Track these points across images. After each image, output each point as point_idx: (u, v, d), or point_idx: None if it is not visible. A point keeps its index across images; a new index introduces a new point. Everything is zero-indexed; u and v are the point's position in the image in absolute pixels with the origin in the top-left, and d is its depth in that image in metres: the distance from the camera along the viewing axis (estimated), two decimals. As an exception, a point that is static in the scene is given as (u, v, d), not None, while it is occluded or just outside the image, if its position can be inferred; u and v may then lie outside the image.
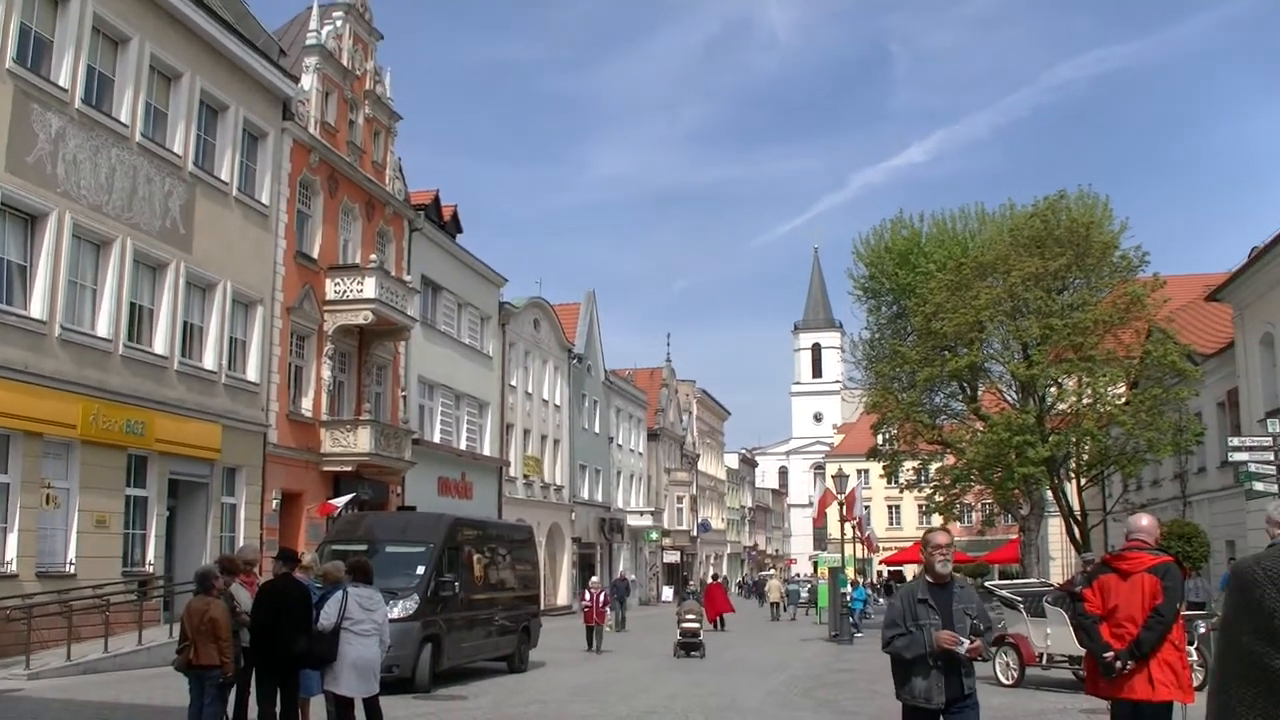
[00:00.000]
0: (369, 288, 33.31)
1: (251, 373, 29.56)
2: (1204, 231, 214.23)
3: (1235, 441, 23.43)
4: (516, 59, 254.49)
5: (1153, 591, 8.12)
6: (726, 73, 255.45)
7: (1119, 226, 41.09)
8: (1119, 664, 8.07)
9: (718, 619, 41.89)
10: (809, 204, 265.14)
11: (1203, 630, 18.76)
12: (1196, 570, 29.57)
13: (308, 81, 33.02)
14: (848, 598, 36.30)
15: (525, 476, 50.98)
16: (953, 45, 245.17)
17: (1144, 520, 8.73)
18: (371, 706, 11.74)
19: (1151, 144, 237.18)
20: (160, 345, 25.74)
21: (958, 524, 75.53)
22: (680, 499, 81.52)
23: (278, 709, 11.66)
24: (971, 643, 7.59)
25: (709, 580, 55.88)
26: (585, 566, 57.47)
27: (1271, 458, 22.06)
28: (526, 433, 51.88)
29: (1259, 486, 21.81)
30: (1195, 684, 17.44)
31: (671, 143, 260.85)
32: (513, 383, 49.70)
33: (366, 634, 11.35)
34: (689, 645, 28.26)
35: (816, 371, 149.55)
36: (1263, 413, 29.10)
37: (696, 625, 28.78)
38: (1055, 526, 49.63)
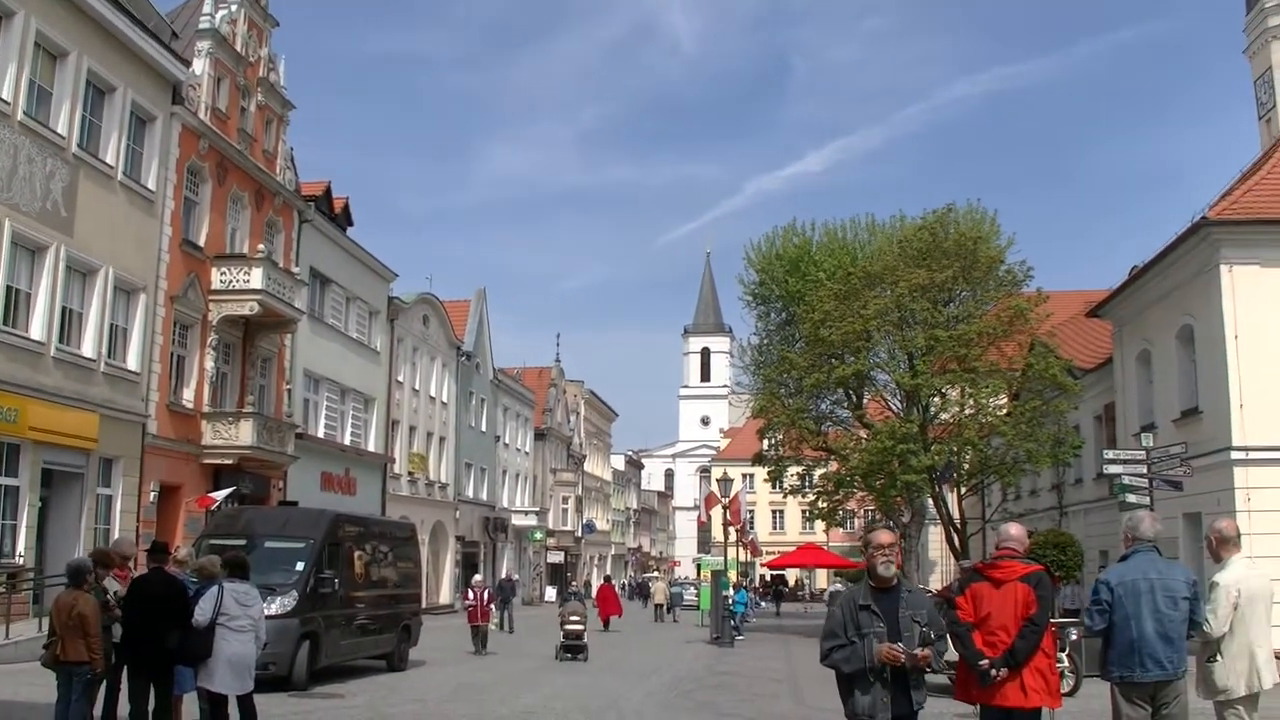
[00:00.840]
0: (256, 278, 32.73)
1: (132, 361, 28.87)
2: (1088, 250, 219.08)
3: (1110, 454, 23.95)
4: (415, 53, 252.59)
5: (1025, 600, 8.24)
6: (628, 76, 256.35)
7: (1005, 241, 41.94)
8: (993, 671, 8.17)
9: (607, 620, 42.16)
10: (704, 209, 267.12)
11: (1074, 637, 19.14)
12: (1071, 579, 30.22)
13: (199, 66, 32.35)
14: (730, 601, 36.50)
15: (410, 473, 50.55)
16: (853, 59, 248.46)
17: (1014, 529, 8.87)
18: (245, 704, 11.53)
19: (1040, 162, 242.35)
20: (37, 330, 24.96)
21: (840, 530, 76.60)
22: (566, 499, 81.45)
23: (150, 706, 11.43)
24: (922, 652, 6.99)
25: (602, 581, 55.95)
26: (469, 565, 57.14)
27: (1144, 471, 22.59)
28: (412, 429, 51.45)
29: (1131, 499, 22.31)
30: (1064, 690, 17.84)
31: (569, 143, 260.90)
32: (400, 379, 49.25)
33: (242, 630, 11.14)
34: (573, 648, 27.59)
35: (705, 375, 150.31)
36: (1137, 427, 29.76)
37: (581, 628, 28.07)
38: (936, 534, 50.36)
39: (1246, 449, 25.42)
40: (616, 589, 49.53)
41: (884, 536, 7.35)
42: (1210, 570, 9.44)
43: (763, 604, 64.71)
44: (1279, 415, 25.38)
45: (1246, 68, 57.34)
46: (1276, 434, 25.30)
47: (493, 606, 31.65)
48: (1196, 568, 12.72)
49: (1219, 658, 8.91)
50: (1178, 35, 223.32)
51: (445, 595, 54.13)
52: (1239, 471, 25.37)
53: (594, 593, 51.88)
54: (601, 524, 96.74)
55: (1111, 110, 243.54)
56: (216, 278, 32.68)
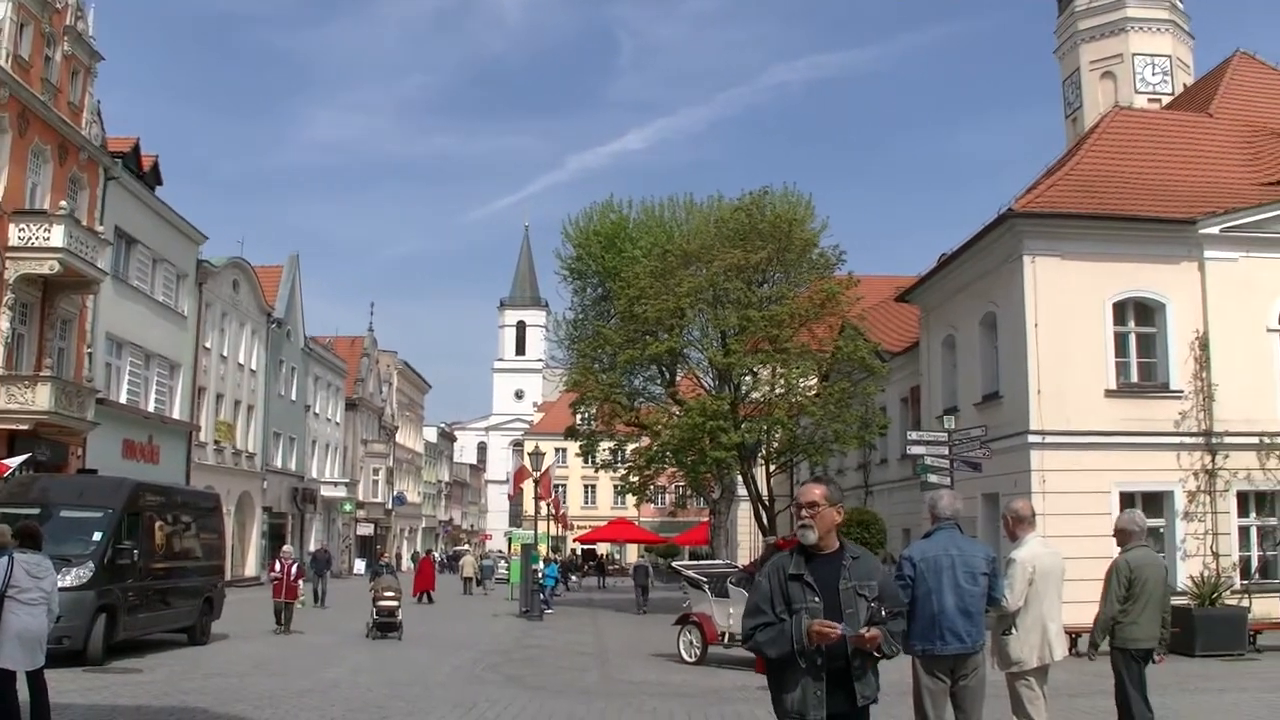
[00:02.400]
0: (57, 236, 31.49)
1: (-80, 320, 27.59)
2: (901, 237, 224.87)
3: (914, 435, 24.64)
4: (233, 9, 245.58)
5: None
6: (453, 46, 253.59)
7: (820, 225, 42.67)
8: (789, 645, 8.31)
9: (421, 593, 42.16)
10: (525, 182, 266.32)
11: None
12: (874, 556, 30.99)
13: (1, 10, 30.96)
14: (539, 574, 36.55)
15: (216, 442, 49.41)
16: (678, 39, 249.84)
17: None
18: (36, 680, 11.09)
19: (858, 150, 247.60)
20: None
21: (651, 505, 77.29)
22: (376, 471, 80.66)
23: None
24: (867, 632, 5.58)
25: (423, 554, 55.55)
26: (276, 537, 56.07)
27: (946, 452, 23.29)
28: (220, 397, 50.29)
29: (933, 479, 23.02)
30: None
31: (391, 110, 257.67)
32: (207, 345, 48.04)
33: (33, 603, 10.70)
34: (386, 625, 26.14)
35: (520, 349, 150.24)
36: (941, 410, 30.69)
37: (395, 604, 26.52)
38: (745, 511, 51.17)
39: (1043, 433, 26.38)
40: (434, 562, 49.42)
41: (809, 492, 5.93)
42: (1007, 548, 9.76)
43: (574, 578, 64.88)
44: (1073, 402, 26.46)
45: (1057, 68, 59.54)
46: (1070, 420, 26.38)
47: (300, 582, 29.71)
48: (994, 545, 13.13)
49: (1014, 631, 9.22)
50: (995, 33, 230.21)
51: (252, 567, 53.14)
52: (1035, 454, 26.32)
53: (405, 567, 51.48)
54: (413, 496, 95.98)
55: (930, 103, 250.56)
56: (14, 234, 31.34)
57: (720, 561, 31.48)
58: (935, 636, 8.59)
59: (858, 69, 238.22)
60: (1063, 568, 9.67)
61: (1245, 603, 23.94)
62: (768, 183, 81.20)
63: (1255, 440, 26.69)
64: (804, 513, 5.85)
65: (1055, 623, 9.38)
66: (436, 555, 69.96)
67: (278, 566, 27.90)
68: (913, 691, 8.97)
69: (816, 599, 5.64)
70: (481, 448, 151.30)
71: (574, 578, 65.28)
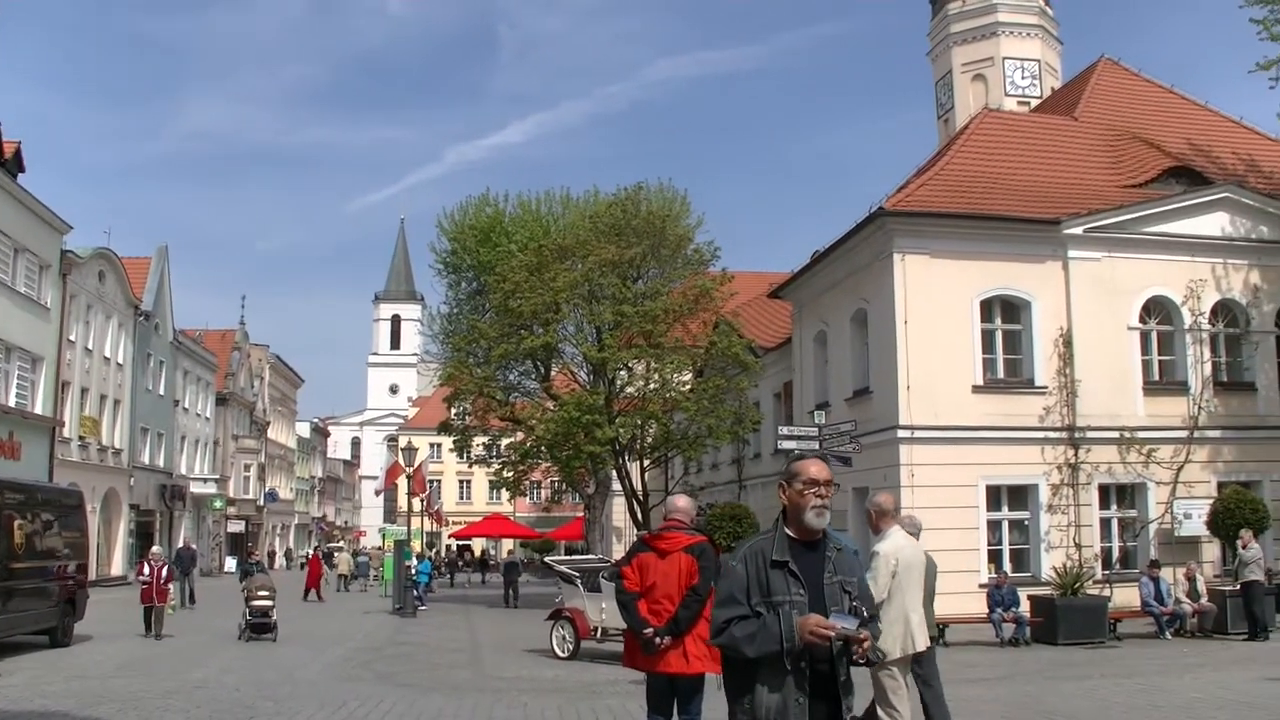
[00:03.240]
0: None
1: None
2: (779, 233, 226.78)
3: (784, 430, 24.82)
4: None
5: (689, 570, 8.53)
6: (332, 36, 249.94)
7: (695, 221, 43.05)
8: (657, 640, 8.38)
9: (313, 590, 42.54)
10: (402, 175, 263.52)
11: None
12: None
13: None
14: (413, 571, 36.29)
15: (81, 438, 48.17)
16: (560, 32, 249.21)
17: (681, 501, 9.15)
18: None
19: (736, 147, 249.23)
20: None
21: (526, 500, 77.16)
22: (248, 467, 79.30)
23: None
24: (862, 634, 4.68)
25: (312, 553, 54.92)
26: (143, 535, 54.90)
27: (816, 446, 23.52)
28: (85, 392, 48.99)
29: (804, 474, 23.21)
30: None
31: (268, 100, 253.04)
32: (71, 337, 46.77)
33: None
34: (260, 626, 24.85)
35: (395, 343, 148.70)
36: (813, 405, 31.07)
37: (269, 603, 25.18)
38: (620, 506, 51.29)
39: (911, 428, 26.89)
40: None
41: (817, 469, 5.05)
42: (873, 541, 9.90)
43: (446, 574, 64.44)
44: (942, 397, 27.02)
45: (930, 69, 60.58)
46: (939, 415, 26.94)
47: (170, 585, 27.75)
48: (863, 538, 13.34)
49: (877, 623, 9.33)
50: (873, 34, 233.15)
51: (118, 566, 51.89)
52: (904, 449, 26.83)
53: (278, 564, 50.73)
54: (285, 493, 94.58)
55: (810, 102, 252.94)
56: None
57: (593, 556, 31.49)
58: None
59: (739, 66, 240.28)
60: (924, 559, 9.84)
61: (1106, 592, 24.58)
62: (647, 178, 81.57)
63: (1116, 435, 27.50)
64: (820, 491, 4.96)
65: (917, 614, 9.53)
66: (306, 552, 69.14)
67: (145, 569, 25.89)
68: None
69: (802, 592, 4.81)
70: (355, 443, 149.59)
71: (456, 575, 65.17)
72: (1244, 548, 23.69)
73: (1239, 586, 23.36)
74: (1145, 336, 29.20)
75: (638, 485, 39.64)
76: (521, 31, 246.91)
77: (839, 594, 4.89)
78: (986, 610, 22.92)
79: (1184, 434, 28.18)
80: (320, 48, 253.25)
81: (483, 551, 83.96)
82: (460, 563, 75.19)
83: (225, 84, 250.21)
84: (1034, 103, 50.58)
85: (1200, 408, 28.47)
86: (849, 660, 4.80)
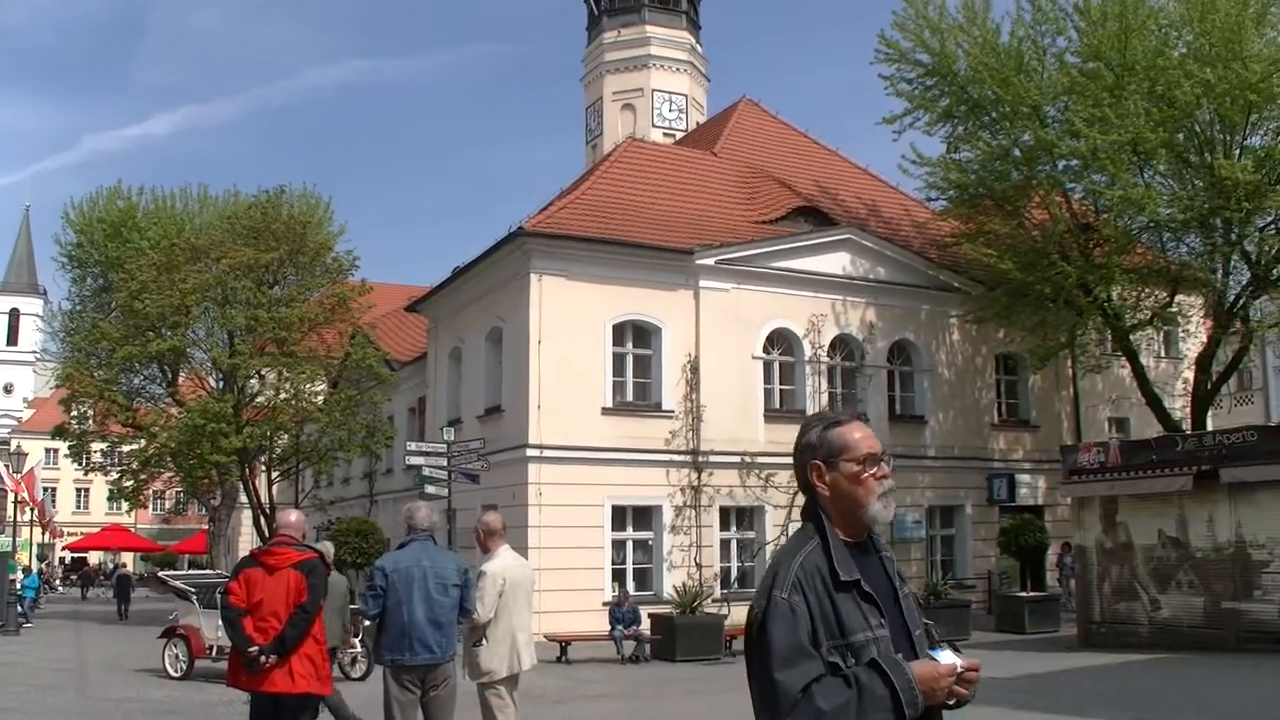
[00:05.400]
0: None
1: None
2: (427, 247, 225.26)
3: (413, 446, 24.69)
4: None
5: (298, 587, 8.33)
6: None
7: (338, 229, 42.29)
8: (262, 658, 8.14)
9: None
10: (31, 160, 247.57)
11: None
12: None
13: None
14: (18, 585, 34.07)
15: None
16: (214, 27, 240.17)
17: (292, 516, 8.99)
18: None
19: (390, 157, 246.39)
20: None
21: (148, 511, 73.83)
22: None
23: None
24: (967, 662, 3.31)
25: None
26: None
27: (445, 463, 23.44)
28: None
29: (431, 489, 23.11)
30: (357, 676, 18.12)
31: None
32: None
33: None
34: None
35: (13, 339, 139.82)
36: (445, 421, 30.97)
37: None
38: (247, 519, 49.76)
39: (540, 446, 27.13)
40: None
41: (869, 439, 3.52)
42: (480, 560, 9.88)
43: (60, 588, 60.91)
44: (572, 418, 27.39)
45: (582, 94, 61.68)
46: (569, 435, 27.29)
47: None
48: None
49: (484, 642, 9.33)
50: (533, 56, 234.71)
51: None
52: (533, 467, 27.02)
53: None
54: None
55: (466, 118, 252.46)
56: None
57: (211, 572, 30.36)
58: (405, 647, 8.65)
59: (397, 79, 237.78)
60: (532, 578, 9.92)
61: (725, 610, 25.41)
62: (300, 181, 79.76)
63: (737, 459, 28.52)
64: (882, 468, 3.48)
65: (524, 632, 9.56)
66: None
67: None
68: (383, 702, 8.95)
69: (882, 622, 3.30)
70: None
71: (61, 589, 61.59)
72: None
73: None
74: (768, 366, 30.50)
75: (264, 498, 38.51)
76: (175, 22, 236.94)
77: (915, 613, 3.53)
78: (609, 627, 23.29)
79: (800, 460, 29.48)
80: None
81: (98, 564, 79.67)
82: (73, 576, 71.24)
83: None
84: (679, 135, 52.15)
85: (816, 435, 29.87)
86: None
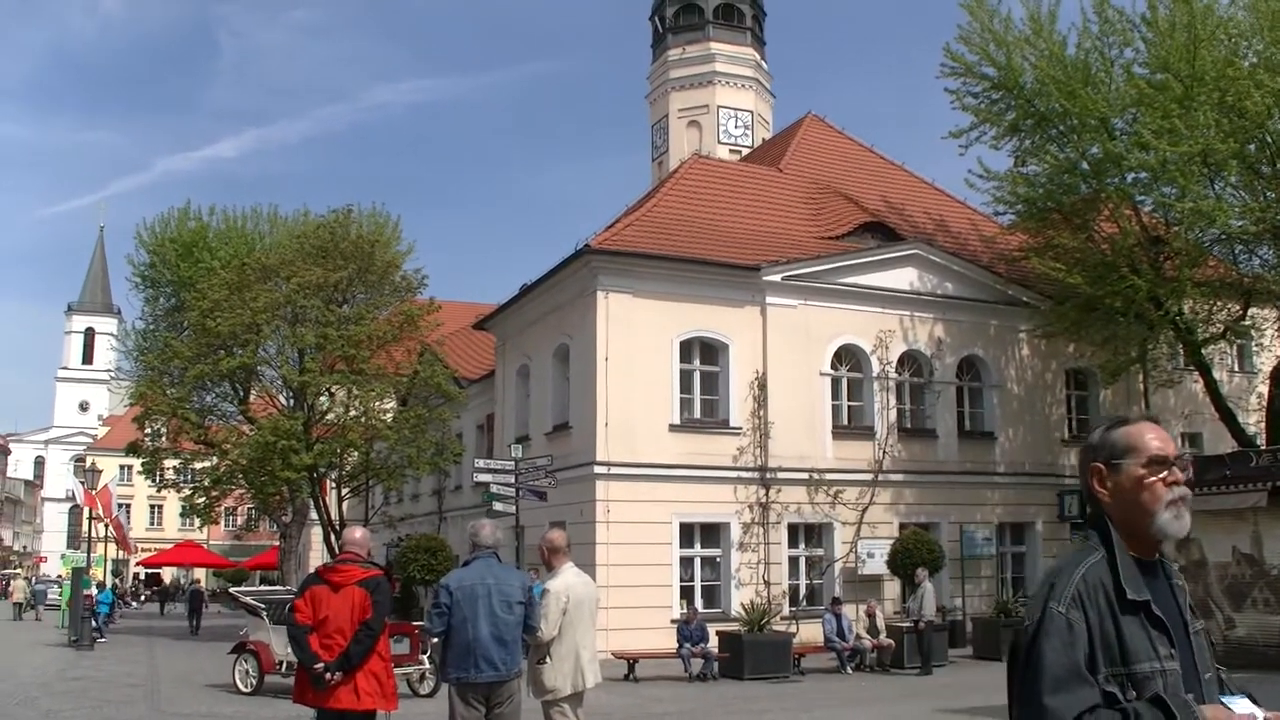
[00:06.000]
0: None
1: None
2: (495, 264, 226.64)
3: (480, 464, 24.76)
4: None
5: (362, 604, 8.37)
6: (39, 27, 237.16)
7: (406, 248, 42.52)
8: (328, 675, 8.17)
9: None
10: (106, 182, 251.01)
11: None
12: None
13: None
14: (93, 600, 34.51)
15: None
16: (280, 47, 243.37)
17: (357, 533, 9.03)
18: None
19: (457, 175, 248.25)
20: None
21: (220, 527, 74.58)
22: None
23: None
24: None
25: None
26: None
27: (512, 480, 23.48)
28: None
29: (499, 506, 23.18)
30: (425, 692, 18.19)
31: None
32: None
33: None
34: None
35: (88, 358, 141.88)
36: (513, 438, 31.06)
37: None
38: (318, 535, 50.16)
39: (608, 464, 27.17)
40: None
41: (1161, 438, 3.17)
42: (545, 577, 9.88)
43: (134, 604, 61.67)
44: (639, 435, 27.43)
45: (648, 112, 61.86)
46: (636, 452, 27.31)
47: None
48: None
49: (548, 660, 9.32)
50: (598, 73, 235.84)
51: None
52: (600, 485, 27.07)
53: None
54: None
55: (531, 136, 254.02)
56: None
57: (282, 588, 30.60)
58: (470, 664, 8.62)
59: (461, 97, 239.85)
60: (596, 596, 9.89)
61: (793, 628, 25.28)
62: (360, 201, 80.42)
63: (805, 476, 28.45)
64: (1175, 474, 3.13)
65: (588, 650, 9.55)
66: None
67: None
68: (449, 719, 8.96)
69: (1172, 654, 2.94)
70: (39, 462, 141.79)
71: (134, 604, 62.22)
72: (917, 585, 24.84)
73: (914, 624, 24.38)
74: (836, 382, 30.39)
75: (335, 515, 38.79)
76: (243, 43, 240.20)
77: (1206, 650, 3.13)
78: (676, 645, 23.22)
79: (869, 477, 29.47)
80: (25, 39, 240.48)
81: (174, 580, 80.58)
82: (149, 592, 72.10)
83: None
84: (745, 151, 52.15)
85: (885, 452, 29.84)
86: None
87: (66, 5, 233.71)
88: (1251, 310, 30.14)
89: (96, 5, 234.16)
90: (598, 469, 27.11)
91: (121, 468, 75.60)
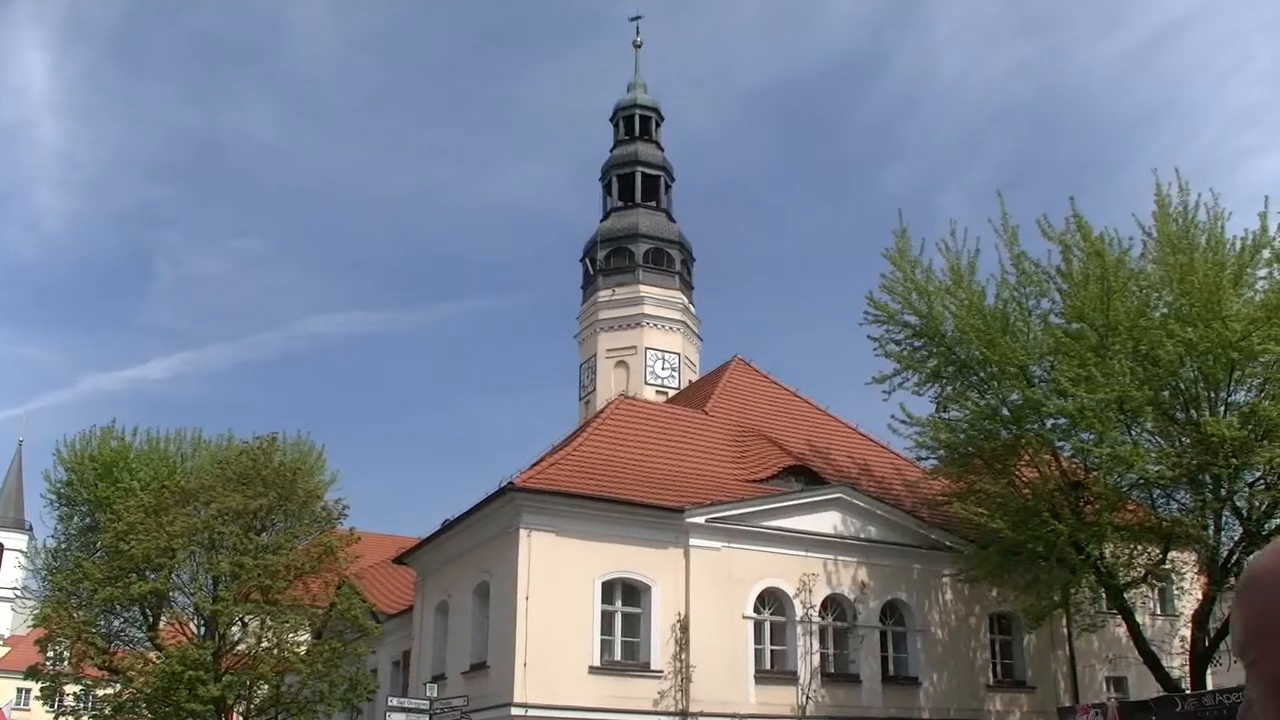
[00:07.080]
0: None
1: None
2: (419, 495, 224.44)
3: (394, 702, 24.28)
4: None
5: None
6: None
7: (330, 477, 42.20)
8: None
9: None
10: (29, 396, 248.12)
11: None
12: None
13: None
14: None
15: None
16: (218, 274, 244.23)
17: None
18: None
19: (385, 406, 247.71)
20: None
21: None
22: None
23: None
24: None
25: None
26: None
27: (428, 719, 22.92)
28: None
29: (410, 745, 22.57)
30: None
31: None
32: None
33: None
34: None
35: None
36: (430, 676, 30.40)
37: None
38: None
39: (526, 705, 26.55)
40: None
41: None
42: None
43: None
44: (558, 676, 26.89)
45: (576, 351, 62.44)
46: (555, 694, 26.73)
47: None
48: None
49: None
50: (532, 311, 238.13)
51: None
52: (518, 727, 26.39)
53: None
54: None
55: (463, 370, 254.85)
56: None
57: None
58: None
59: (397, 329, 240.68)
60: None
61: None
62: (286, 429, 79.89)
63: (728, 720, 27.89)
64: None
65: None
66: None
67: None
68: None
69: None
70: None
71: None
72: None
73: None
74: (759, 626, 30.12)
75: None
76: (180, 269, 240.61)
77: None
78: None
79: (792, 722, 28.95)
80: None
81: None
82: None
83: None
84: (672, 392, 52.56)
85: (808, 697, 29.39)
86: None
87: (7, 221, 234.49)
88: (1171, 554, 30.46)
89: (38, 222, 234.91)
90: (515, 710, 26.43)
91: (19, 691, 72.58)
